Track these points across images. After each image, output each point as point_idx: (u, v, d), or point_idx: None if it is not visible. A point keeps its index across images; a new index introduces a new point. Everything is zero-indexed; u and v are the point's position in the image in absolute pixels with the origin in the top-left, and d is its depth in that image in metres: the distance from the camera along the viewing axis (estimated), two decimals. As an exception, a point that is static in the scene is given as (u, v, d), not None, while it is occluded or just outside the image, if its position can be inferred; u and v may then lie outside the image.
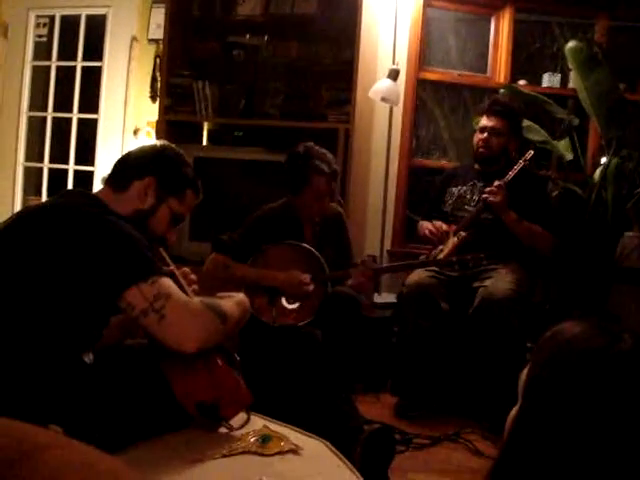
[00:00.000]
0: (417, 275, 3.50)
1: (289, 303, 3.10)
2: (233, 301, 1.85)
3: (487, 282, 3.39)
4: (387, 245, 4.45)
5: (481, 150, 3.67)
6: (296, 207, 3.21)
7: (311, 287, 3.07)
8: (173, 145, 2.04)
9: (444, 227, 3.58)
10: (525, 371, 1.03)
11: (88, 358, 1.77)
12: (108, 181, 1.95)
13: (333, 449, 1.66)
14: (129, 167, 1.94)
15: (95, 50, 5.25)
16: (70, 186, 5.22)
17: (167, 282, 1.66)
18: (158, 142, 2.08)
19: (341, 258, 3.26)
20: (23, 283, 1.66)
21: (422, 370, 3.49)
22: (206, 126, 4.60)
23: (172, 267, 1.93)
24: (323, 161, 3.12)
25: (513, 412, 1.04)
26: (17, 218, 1.80)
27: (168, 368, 1.69)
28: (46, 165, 5.43)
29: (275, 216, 3.19)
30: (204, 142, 4.61)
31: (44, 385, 1.61)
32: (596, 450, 0.89)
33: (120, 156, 2.05)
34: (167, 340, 1.63)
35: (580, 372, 0.92)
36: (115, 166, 1.97)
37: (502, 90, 4.31)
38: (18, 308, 1.64)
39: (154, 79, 4.88)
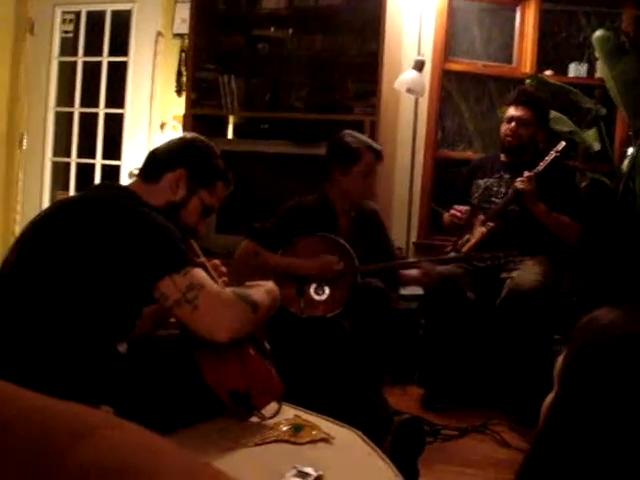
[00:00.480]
0: (443, 266, 3.50)
1: (317, 294, 3.11)
2: (263, 290, 1.86)
3: (514, 273, 3.39)
4: (413, 237, 4.44)
5: (509, 140, 3.65)
6: (334, 195, 3.22)
7: (341, 264, 3.08)
8: (203, 137, 2.05)
9: (464, 209, 3.58)
10: (561, 358, 1.03)
11: (122, 348, 1.80)
12: (140, 173, 1.97)
13: (365, 438, 1.67)
14: (161, 159, 1.95)
15: (121, 45, 5.28)
16: (97, 180, 5.27)
17: (200, 273, 1.68)
18: (188, 134, 2.09)
19: (379, 255, 3.28)
20: (58, 275, 1.68)
21: (449, 362, 3.49)
22: (231, 120, 4.62)
23: (203, 259, 1.95)
24: (371, 141, 3.24)
25: (548, 400, 1.04)
26: (51, 211, 1.83)
27: (201, 357, 1.71)
28: (73, 160, 5.48)
29: (310, 207, 3.20)
30: (229, 135, 4.62)
31: (78, 375, 1.63)
32: (635, 436, 0.89)
33: (151, 148, 2.07)
34: (200, 330, 1.65)
35: (617, 358, 0.92)
36: (147, 158, 1.99)
37: (528, 80, 4.28)
38: (53, 299, 1.67)
39: (179, 73, 4.91)
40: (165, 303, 1.65)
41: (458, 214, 3.58)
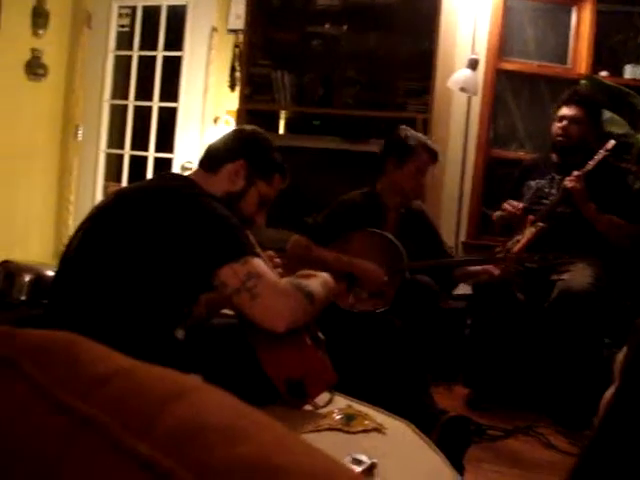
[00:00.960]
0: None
1: (365, 291, 3.12)
2: (318, 281, 1.88)
3: (565, 275, 3.35)
4: (462, 236, 4.43)
5: (560, 139, 3.63)
6: (384, 190, 3.23)
7: (385, 286, 3.09)
8: (262, 130, 2.09)
9: (520, 205, 3.55)
10: (621, 354, 1.04)
11: (180, 334, 1.84)
12: (200, 163, 2.02)
13: (416, 430, 1.68)
14: (221, 150, 2.00)
15: (175, 40, 5.37)
16: (150, 173, 5.36)
17: (259, 262, 1.71)
18: (247, 127, 2.13)
19: (432, 253, 3.28)
20: (119, 260, 1.73)
21: (496, 362, 3.47)
22: (283, 115, 4.65)
23: (258, 250, 1.98)
24: (430, 142, 3.26)
25: (608, 394, 1.05)
26: (114, 198, 1.88)
27: (258, 345, 1.74)
28: (127, 152, 5.58)
29: (359, 203, 3.22)
30: (281, 131, 4.66)
31: (138, 359, 1.67)
32: None
33: (204, 142, 2.11)
34: (258, 319, 1.68)
35: None
36: (207, 149, 2.04)
37: (583, 81, 4.23)
38: (114, 284, 1.72)
39: (233, 68, 4.97)
40: (224, 291, 1.69)
41: (511, 209, 3.54)
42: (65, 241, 5.34)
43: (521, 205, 3.55)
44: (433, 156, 3.21)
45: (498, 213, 3.71)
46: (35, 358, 0.55)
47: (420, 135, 3.25)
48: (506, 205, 3.58)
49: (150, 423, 0.51)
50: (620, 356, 1.05)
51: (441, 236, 3.48)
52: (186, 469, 0.48)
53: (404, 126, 3.28)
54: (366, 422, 1.66)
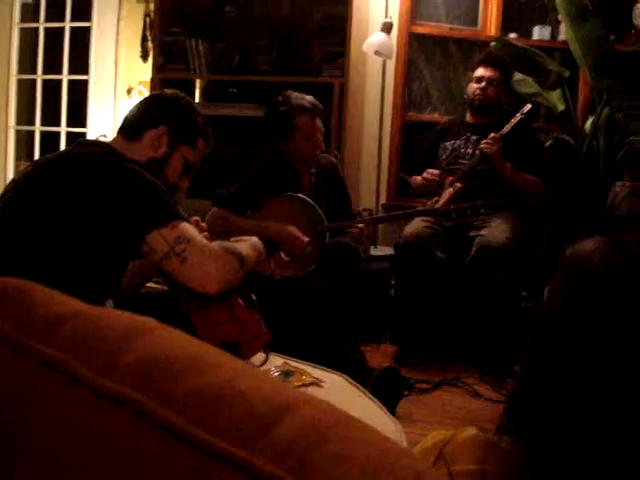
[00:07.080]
0: (413, 226, 3.55)
1: (287, 255, 3.12)
2: (248, 244, 1.90)
3: (483, 231, 3.45)
4: (382, 199, 4.49)
5: (478, 98, 3.71)
6: (290, 155, 3.21)
7: (308, 249, 3.10)
8: (183, 94, 2.06)
9: (436, 172, 3.66)
10: (548, 287, 1.08)
11: (109, 304, 1.82)
12: (120, 130, 1.98)
13: (352, 382, 1.73)
14: (141, 116, 1.96)
15: (83, 10, 5.19)
16: (62, 148, 5.22)
17: (187, 226, 1.71)
18: (168, 91, 2.10)
19: (339, 209, 3.31)
20: (44, 231, 1.69)
21: (421, 319, 3.56)
22: (199, 83, 4.60)
23: (185, 215, 1.97)
24: (302, 99, 3.14)
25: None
26: (35, 167, 1.83)
27: (190, 311, 1.74)
28: (37, 128, 5.40)
29: (270, 167, 3.19)
30: (197, 99, 4.60)
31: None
32: (614, 363, 0.94)
33: (119, 114, 2.08)
34: (189, 282, 1.68)
35: (598, 285, 0.97)
36: (127, 116, 2.00)
37: (493, 43, 4.33)
38: (40, 255, 1.68)
39: (144, 38, 4.87)
40: (153, 257, 1.68)
41: (429, 177, 3.64)
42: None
43: (437, 172, 3.64)
44: (313, 112, 3.13)
45: (418, 180, 3.78)
46: (-12, 304, 0.54)
47: (292, 98, 3.13)
48: (426, 175, 3.66)
49: (112, 359, 0.52)
50: (547, 290, 1.09)
51: (348, 194, 3.50)
52: (152, 399, 0.49)
53: (279, 96, 3.18)
54: (303, 377, 1.69)
